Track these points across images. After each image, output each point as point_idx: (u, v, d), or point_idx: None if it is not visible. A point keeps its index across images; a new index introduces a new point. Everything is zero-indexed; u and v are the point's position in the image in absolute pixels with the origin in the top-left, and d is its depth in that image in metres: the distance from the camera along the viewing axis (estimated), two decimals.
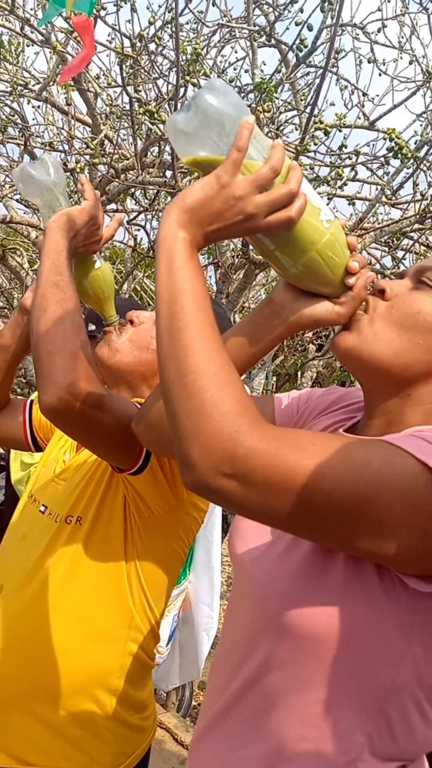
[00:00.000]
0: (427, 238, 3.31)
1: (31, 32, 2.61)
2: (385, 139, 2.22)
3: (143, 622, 1.22)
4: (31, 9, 2.84)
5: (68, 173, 2.55)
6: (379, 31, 2.59)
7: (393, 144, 1.84)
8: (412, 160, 2.17)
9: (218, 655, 0.91)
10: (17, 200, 2.69)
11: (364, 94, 2.69)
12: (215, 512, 2.44)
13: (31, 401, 1.47)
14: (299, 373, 5.12)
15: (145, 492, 1.15)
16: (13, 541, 1.31)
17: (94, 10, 2.20)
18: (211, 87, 0.77)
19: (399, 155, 1.88)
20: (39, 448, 1.46)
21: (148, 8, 2.74)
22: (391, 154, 1.85)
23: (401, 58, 3.04)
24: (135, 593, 1.20)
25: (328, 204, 1.26)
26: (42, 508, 1.27)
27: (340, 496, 0.64)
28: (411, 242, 3.20)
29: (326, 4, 1.75)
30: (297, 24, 1.91)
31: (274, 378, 6.65)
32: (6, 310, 4.63)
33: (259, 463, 0.64)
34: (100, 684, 1.18)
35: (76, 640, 1.17)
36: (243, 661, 0.82)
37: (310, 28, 1.86)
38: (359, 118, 2.89)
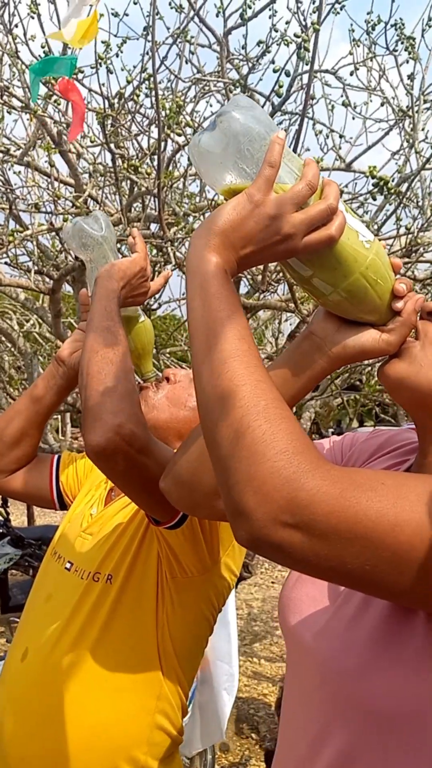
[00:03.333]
0: (413, 272, 3.35)
1: (10, 99, 2.65)
2: (366, 177, 2.25)
3: (172, 693, 1.15)
4: (8, 78, 2.91)
5: (54, 232, 2.57)
6: (351, 74, 2.66)
7: (377, 180, 1.86)
8: (394, 196, 2.20)
9: (280, 752, 0.79)
10: (6, 263, 2.69)
11: (341, 136, 2.74)
12: None
13: (59, 456, 1.43)
14: (298, 414, 5.09)
15: (181, 549, 1.10)
16: (38, 603, 1.24)
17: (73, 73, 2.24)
18: (237, 103, 0.72)
19: (384, 191, 1.90)
20: (64, 506, 1.40)
21: (123, 69, 2.80)
22: (377, 190, 1.87)
23: (371, 101, 3.13)
24: (165, 661, 1.14)
25: None
26: (68, 566, 1.21)
27: (420, 544, 0.55)
28: (398, 276, 3.23)
29: (301, 50, 1.79)
30: (275, 71, 1.95)
31: None
32: None
33: (324, 509, 0.55)
34: (125, 757, 1.10)
35: (102, 711, 1.10)
36: (314, 756, 0.71)
37: (288, 74, 1.90)
38: (336, 161, 2.95)
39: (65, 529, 1.31)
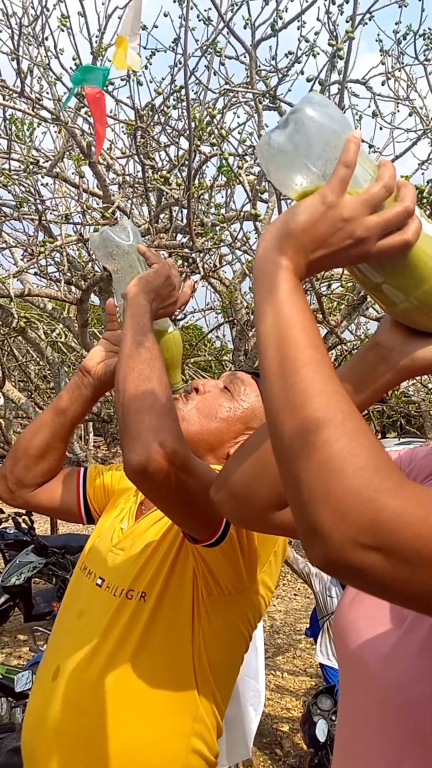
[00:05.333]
0: None
1: (40, 110, 2.68)
2: None
3: (208, 715, 1.11)
4: (38, 91, 2.94)
5: (83, 243, 2.58)
6: (382, 84, 2.65)
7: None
8: (427, 205, 2.17)
9: None
10: (34, 273, 2.71)
11: (370, 146, 2.72)
12: None
13: (85, 470, 1.41)
14: None
15: (218, 567, 1.07)
16: (70, 619, 1.20)
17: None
18: (310, 100, 0.68)
19: (419, 200, 1.88)
20: (91, 520, 1.38)
21: (151, 81, 2.82)
22: None
23: (398, 111, 3.12)
24: (201, 681, 1.10)
25: None
26: (99, 581, 1.17)
27: None
28: None
29: (335, 59, 1.78)
30: (308, 80, 1.94)
31: None
32: (23, 383, 4.63)
33: (409, 531, 0.51)
34: None
35: (136, 733, 1.06)
36: None
37: (321, 84, 1.89)
38: None
39: (95, 544, 1.27)
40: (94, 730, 1.06)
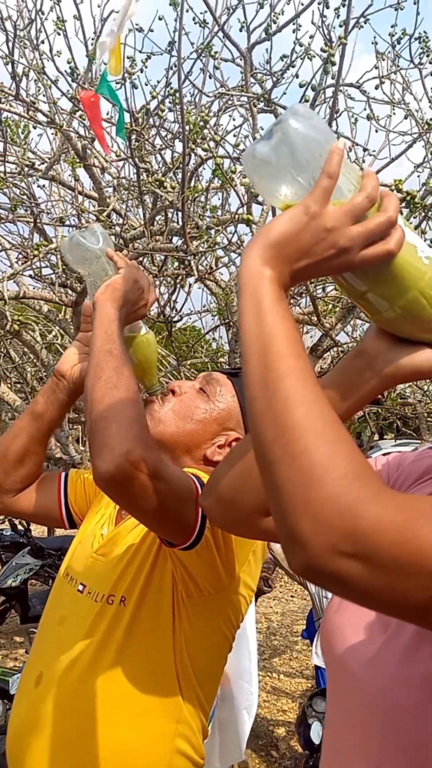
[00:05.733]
0: None
1: (35, 114, 2.68)
2: (391, 190, 2.24)
3: (192, 716, 1.12)
4: (34, 93, 2.94)
5: None
6: (376, 88, 2.66)
7: (404, 195, 1.85)
8: (420, 209, 2.18)
9: None
10: (29, 276, 2.71)
11: (364, 149, 2.73)
12: None
13: (66, 474, 1.41)
14: None
15: (196, 569, 1.08)
16: (52, 625, 1.22)
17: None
18: (295, 111, 0.69)
19: (410, 205, 1.88)
20: (73, 525, 1.38)
21: (146, 83, 2.82)
22: (403, 205, 1.85)
23: (394, 114, 3.12)
24: (184, 683, 1.11)
25: None
26: (80, 588, 1.18)
27: None
28: None
29: (327, 64, 1.79)
30: (301, 86, 1.95)
31: None
32: (19, 384, 4.62)
33: (387, 539, 0.52)
34: None
35: (121, 737, 1.07)
36: None
37: (314, 89, 1.90)
38: None
39: (77, 550, 1.28)
40: (77, 735, 1.07)
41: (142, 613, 1.11)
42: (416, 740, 0.63)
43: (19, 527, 5.10)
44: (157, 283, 3.75)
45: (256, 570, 1.22)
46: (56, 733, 1.09)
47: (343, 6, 2.34)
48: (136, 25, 2.78)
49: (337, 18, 2.54)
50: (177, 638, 1.11)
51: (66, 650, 1.13)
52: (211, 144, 2.32)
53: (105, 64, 2.08)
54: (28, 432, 1.29)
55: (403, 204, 1.87)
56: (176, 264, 3.10)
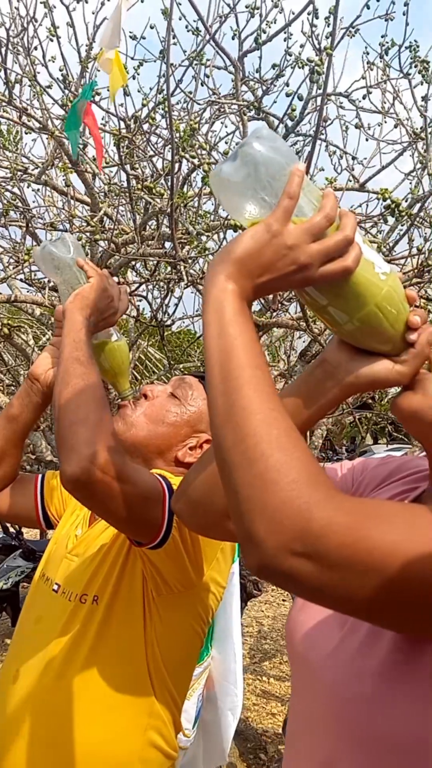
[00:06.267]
0: (426, 291, 3.34)
1: (29, 120, 2.71)
2: (378, 199, 2.27)
3: (164, 710, 1.16)
4: (27, 99, 2.97)
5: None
6: (364, 98, 2.69)
7: (388, 203, 1.88)
8: (407, 217, 2.21)
9: None
10: (21, 279, 2.73)
11: (353, 158, 2.76)
12: (233, 581, 2.36)
13: (43, 476, 1.44)
14: (310, 431, 5.08)
15: (165, 567, 1.11)
16: (28, 625, 1.26)
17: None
18: (259, 135, 0.73)
19: (395, 213, 1.91)
20: (50, 526, 1.42)
21: (139, 91, 2.85)
22: (388, 212, 1.88)
23: (386, 122, 3.15)
24: (155, 678, 1.15)
25: None
26: (55, 587, 1.22)
27: None
28: (413, 308, 3.22)
29: (314, 74, 1.82)
30: (288, 95, 1.98)
31: None
32: (12, 387, 4.64)
33: (336, 540, 0.55)
34: None
35: (94, 731, 1.12)
36: None
37: (300, 98, 1.93)
38: (350, 181, 2.97)
39: (52, 551, 1.32)
40: (53, 730, 1.11)
41: (114, 611, 1.15)
42: (370, 734, 0.66)
43: (11, 530, 5.11)
44: (150, 287, 3.78)
45: (225, 568, 1.26)
46: (32, 729, 1.12)
47: (328, 20, 2.38)
48: (130, 32, 2.82)
49: (328, 27, 2.58)
50: (148, 635, 1.14)
51: (41, 648, 1.17)
52: (201, 151, 2.35)
53: (98, 71, 2.11)
54: (3, 434, 1.33)
55: (388, 212, 1.90)
56: (169, 269, 3.13)
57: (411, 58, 2.89)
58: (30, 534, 6.95)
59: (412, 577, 0.55)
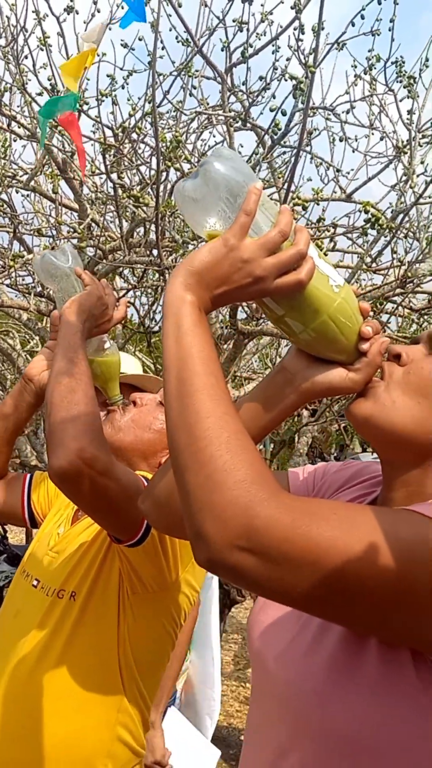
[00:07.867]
0: (409, 302, 3.38)
1: (18, 127, 2.73)
2: (360, 211, 2.31)
3: (133, 708, 1.19)
4: (18, 106, 2.99)
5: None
6: (347, 112, 2.73)
7: (368, 217, 1.91)
8: (388, 230, 2.25)
9: (244, 764, 0.83)
10: (7, 285, 2.75)
11: (338, 171, 2.80)
12: (212, 586, 2.38)
13: (31, 476, 1.48)
14: (295, 438, 5.10)
15: (141, 566, 1.15)
16: (7, 619, 1.29)
17: (78, 105, 2.32)
18: (219, 154, 0.78)
19: (375, 226, 1.95)
20: (35, 524, 1.45)
21: (128, 101, 2.88)
22: (368, 226, 1.92)
23: (372, 134, 3.20)
24: (126, 675, 1.18)
25: None
26: (35, 583, 1.26)
27: (367, 573, 0.58)
28: (395, 306, 3.27)
29: (297, 90, 1.85)
30: (271, 110, 2.02)
31: (272, 444, 6.63)
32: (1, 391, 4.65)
33: (277, 536, 0.59)
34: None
35: (65, 724, 1.15)
36: None
37: (284, 113, 1.97)
38: (335, 192, 3.01)
39: (34, 548, 1.36)
40: (26, 722, 1.14)
41: (90, 607, 1.18)
42: (321, 728, 0.69)
43: None
44: (138, 293, 3.80)
45: (200, 572, 1.29)
46: (5, 721, 1.14)
47: (322, 29, 2.42)
48: (121, 40, 2.85)
49: (316, 40, 2.61)
50: (121, 632, 1.17)
51: (18, 642, 1.20)
52: (186, 163, 2.38)
53: (88, 80, 2.13)
54: None
55: (368, 225, 1.94)
56: (156, 276, 3.15)
57: (397, 73, 2.94)
58: (16, 539, 6.93)
59: (347, 571, 0.59)
